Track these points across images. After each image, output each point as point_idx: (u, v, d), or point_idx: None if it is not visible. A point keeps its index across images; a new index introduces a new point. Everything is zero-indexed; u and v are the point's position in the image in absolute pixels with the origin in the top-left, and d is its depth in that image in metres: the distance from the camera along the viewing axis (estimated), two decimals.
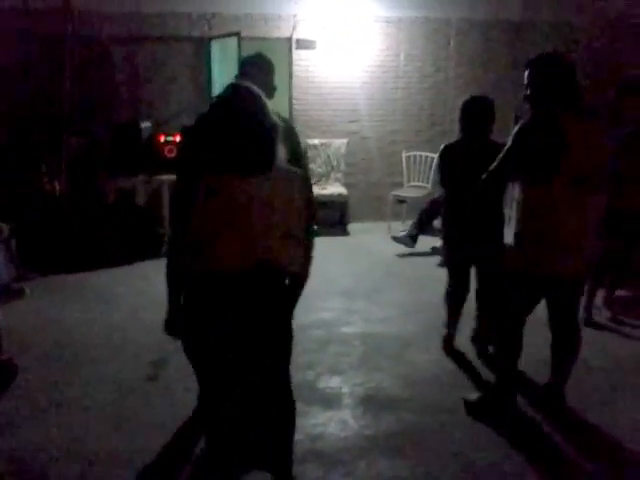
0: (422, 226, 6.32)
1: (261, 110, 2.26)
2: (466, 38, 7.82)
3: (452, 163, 3.69)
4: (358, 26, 7.53)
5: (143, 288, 5.24)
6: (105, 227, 6.07)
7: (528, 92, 2.91)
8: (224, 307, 2.25)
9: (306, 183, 2.37)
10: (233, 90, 2.36)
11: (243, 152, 2.18)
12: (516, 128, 2.86)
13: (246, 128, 2.21)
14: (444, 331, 3.96)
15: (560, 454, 2.91)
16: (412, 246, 6.30)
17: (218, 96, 2.41)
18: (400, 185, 7.56)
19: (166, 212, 6.40)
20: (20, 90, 6.61)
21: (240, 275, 2.20)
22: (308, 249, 2.41)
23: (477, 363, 3.80)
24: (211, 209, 2.17)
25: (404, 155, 7.54)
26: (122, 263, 5.88)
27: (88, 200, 6.24)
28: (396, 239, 6.40)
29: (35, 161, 6.15)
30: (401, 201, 7.35)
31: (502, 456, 2.86)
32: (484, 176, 2.97)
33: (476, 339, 3.94)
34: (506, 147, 2.90)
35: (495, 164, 2.94)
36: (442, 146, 3.80)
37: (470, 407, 3.23)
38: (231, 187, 2.16)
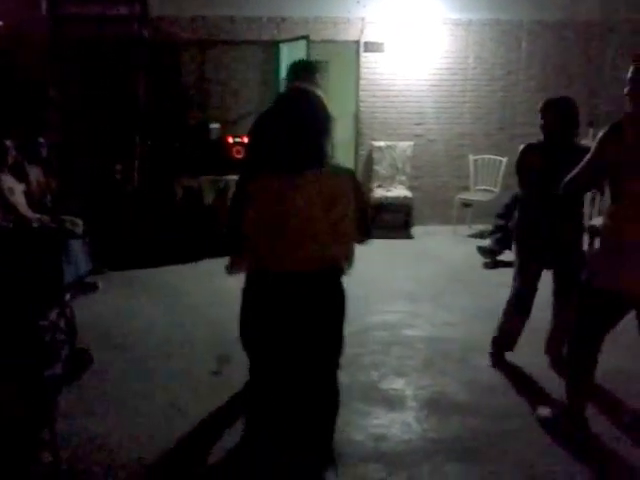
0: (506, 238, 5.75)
1: (312, 104, 2.29)
2: (538, 40, 7.64)
3: (532, 163, 3.53)
4: (426, 29, 7.48)
5: (208, 285, 5.35)
6: (175, 225, 6.23)
7: (627, 89, 2.75)
8: (273, 304, 2.33)
9: (355, 180, 2.46)
10: (286, 90, 2.46)
11: (289, 147, 2.23)
12: (602, 132, 2.76)
13: (294, 123, 2.24)
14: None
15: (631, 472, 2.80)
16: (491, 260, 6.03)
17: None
18: (467, 189, 7.45)
19: None
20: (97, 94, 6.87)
21: (289, 276, 2.28)
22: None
23: (542, 370, 3.69)
24: (253, 211, 2.29)
25: (471, 158, 7.43)
26: (189, 260, 6.03)
27: (158, 199, 6.43)
28: (480, 250, 6.15)
29: (111, 161, 6.40)
30: (467, 205, 7.24)
31: (567, 467, 2.77)
32: (565, 180, 2.88)
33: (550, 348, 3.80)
34: (591, 151, 2.80)
35: (577, 168, 2.85)
36: (523, 145, 3.66)
37: (543, 423, 3.10)
38: (270, 189, 2.25)
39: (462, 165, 7.60)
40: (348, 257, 2.33)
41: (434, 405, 3.31)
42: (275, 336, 2.38)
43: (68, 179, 5.86)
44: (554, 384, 3.38)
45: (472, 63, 7.66)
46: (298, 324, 2.35)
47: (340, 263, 2.33)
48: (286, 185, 2.23)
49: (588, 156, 2.80)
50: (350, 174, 2.46)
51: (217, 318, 4.54)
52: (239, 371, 3.63)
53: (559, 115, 3.45)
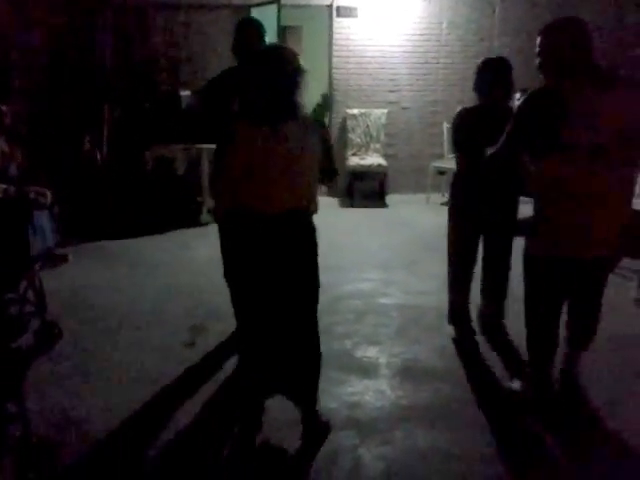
0: None
1: (285, 58, 2.43)
2: (512, 6, 7.58)
3: (469, 128, 3.48)
4: None
5: (182, 255, 5.31)
6: (146, 195, 6.14)
7: (538, 61, 2.74)
8: (251, 245, 2.48)
9: (325, 130, 2.70)
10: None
11: (270, 100, 2.40)
12: (521, 98, 2.73)
13: (273, 76, 2.39)
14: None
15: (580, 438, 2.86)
16: None
17: None
18: (441, 156, 7.44)
19: (205, 181, 6.44)
20: (60, 59, 6.66)
21: (265, 218, 2.42)
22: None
23: (517, 338, 3.74)
24: (231, 155, 2.45)
25: (445, 126, 7.39)
26: (162, 231, 5.96)
27: (129, 168, 6.31)
28: None
29: (78, 129, 6.24)
30: (441, 172, 7.23)
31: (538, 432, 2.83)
32: (493, 148, 2.85)
33: (482, 315, 3.82)
34: (512, 118, 2.77)
35: (503, 137, 2.80)
36: (459, 109, 3.64)
37: (515, 397, 3.12)
38: (252, 139, 2.37)
39: (436, 133, 7.57)
40: (313, 199, 2.54)
41: (407, 372, 3.34)
42: (255, 273, 2.52)
43: (35, 149, 5.71)
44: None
45: (445, 29, 7.59)
46: (275, 262, 2.49)
47: (310, 205, 2.52)
48: (268, 135, 2.37)
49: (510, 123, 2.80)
50: (321, 125, 2.73)
51: (190, 289, 4.51)
52: (214, 342, 3.65)
53: (499, 76, 3.40)
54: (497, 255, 3.62)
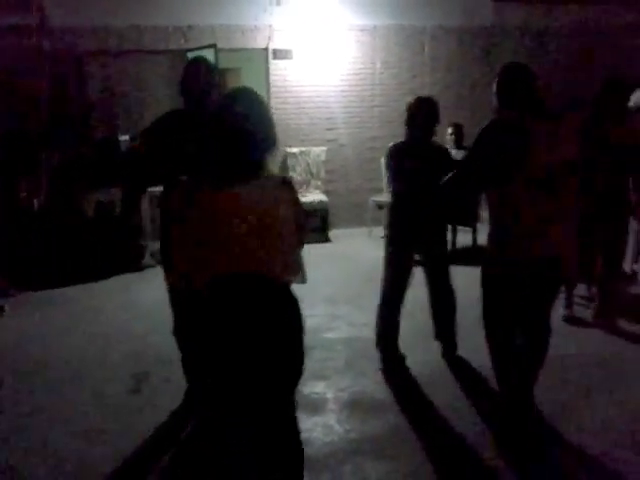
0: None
1: (256, 105, 2.09)
2: (440, 45, 7.91)
3: (399, 163, 3.70)
4: (333, 35, 7.60)
5: (125, 300, 5.22)
6: (86, 241, 6.04)
7: (495, 101, 2.97)
8: (218, 317, 2.06)
9: (293, 188, 2.18)
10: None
11: (233, 156, 2.01)
12: (480, 130, 2.89)
13: (240, 127, 2.01)
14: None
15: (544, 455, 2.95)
16: None
17: None
18: (380, 191, 7.60)
19: (146, 224, 6.39)
20: None
21: (231, 284, 2.02)
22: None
23: (459, 364, 3.83)
24: (185, 228, 2.03)
25: (383, 161, 7.58)
26: (104, 276, 5.85)
27: (68, 215, 6.21)
28: None
29: (14, 178, 6.12)
30: (381, 207, 7.38)
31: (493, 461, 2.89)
32: (447, 178, 3.00)
33: (438, 337, 3.99)
34: (471, 149, 2.94)
35: (460, 166, 3.00)
36: (389, 145, 3.81)
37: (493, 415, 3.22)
38: (206, 203, 1.98)
39: (374, 168, 7.74)
40: (294, 268, 2.14)
41: (355, 405, 3.37)
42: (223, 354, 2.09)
43: None
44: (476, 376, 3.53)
45: (379, 68, 7.85)
46: (240, 336, 2.06)
47: (286, 274, 2.11)
48: (226, 197, 1.97)
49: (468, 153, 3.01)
50: (288, 183, 2.18)
51: (133, 334, 4.44)
52: (160, 388, 3.59)
53: (430, 115, 3.63)
54: (438, 281, 3.83)
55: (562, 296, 4.45)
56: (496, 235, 2.98)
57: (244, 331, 2.03)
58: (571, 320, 4.45)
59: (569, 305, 4.52)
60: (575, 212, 2.98)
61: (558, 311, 4.42)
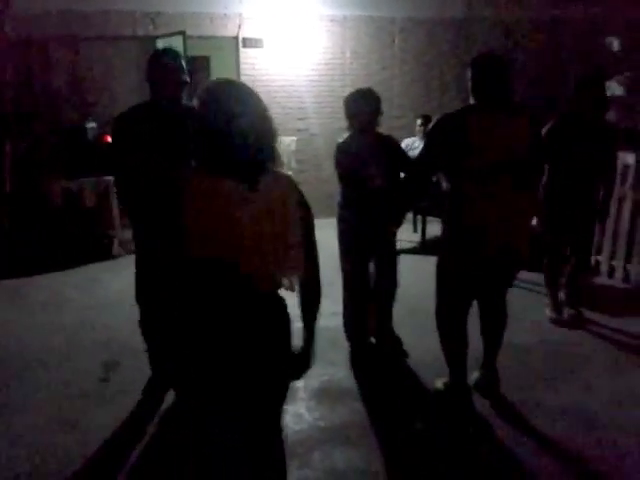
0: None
1: (253, 97, 1.89)
2: (410, 36, 7.97)
3: (347, 158, 3.72)
4: (303, 24, 7.60)
5: (92, 290, 5.19)
6: (52, 230, 5.96)
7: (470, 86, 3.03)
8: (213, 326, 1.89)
9: (295, 185, 2.04)
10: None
11: (244, 147, 1.82)
12: (430, 126, 3.03)
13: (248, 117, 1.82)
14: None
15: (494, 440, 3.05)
16: None
17: None
18: None
19: (115, 213, 6.34)
20: None
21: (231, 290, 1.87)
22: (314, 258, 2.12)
23: (425, 350, 3.90)
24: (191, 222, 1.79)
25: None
26: (71, 266, 5.80)
27: (34, 203, 6.12)
28: None
29: None
30: None
31: (450, 437, 2.97)
32: (405, 173, 3.22)
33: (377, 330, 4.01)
34: (423, 145, 3.11)
35: (415, 160, 3.19)
36: (337, 142, 3.86)
37: (439, 395, 3.35)
38: (215, 196, 1.80)
39: None
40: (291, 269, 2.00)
41: (324, 394, 3.42)
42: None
43: None
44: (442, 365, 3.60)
45: (349, 58, 7.88)
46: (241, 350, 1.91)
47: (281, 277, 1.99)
48: (237, 193, 1.80)
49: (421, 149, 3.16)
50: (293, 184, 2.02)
51: (101, 324, 4.42)
52: (130, 377, 3.59)
53: (374, 106, 3.74)
54: (385, 274, 3.85)
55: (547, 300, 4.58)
56: (447, 224, 3.12)
57: (228, 323, 1.89)
58: (559, 322, 4.40)
59: (555, 307, 4.48)
60: (535, 206, 3.09)
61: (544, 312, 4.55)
